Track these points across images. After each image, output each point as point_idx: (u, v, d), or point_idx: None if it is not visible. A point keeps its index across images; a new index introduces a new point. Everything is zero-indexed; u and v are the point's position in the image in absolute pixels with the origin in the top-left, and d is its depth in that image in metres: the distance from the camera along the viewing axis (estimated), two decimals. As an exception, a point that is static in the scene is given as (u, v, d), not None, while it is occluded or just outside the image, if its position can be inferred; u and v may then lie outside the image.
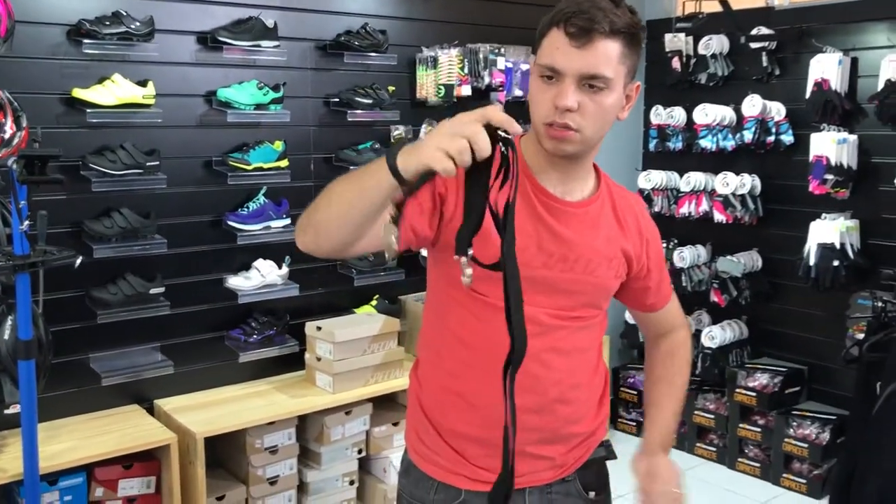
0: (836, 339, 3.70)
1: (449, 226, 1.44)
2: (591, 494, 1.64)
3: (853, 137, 3.74)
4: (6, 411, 2.69)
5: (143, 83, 3.03)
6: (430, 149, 1.12)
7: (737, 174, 4.09)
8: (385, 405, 3.58)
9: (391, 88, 3.69)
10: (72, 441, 2.87)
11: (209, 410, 3.19)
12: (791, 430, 3.82)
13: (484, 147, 1.11)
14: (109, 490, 2.90)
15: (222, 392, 3.38)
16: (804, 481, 3.77)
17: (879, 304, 1.75)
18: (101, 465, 2.87)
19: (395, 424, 3.55)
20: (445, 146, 1.11)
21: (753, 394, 3.95)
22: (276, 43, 3.33)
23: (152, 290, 3.10)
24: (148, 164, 3.03)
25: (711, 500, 3.77)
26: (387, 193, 1.21)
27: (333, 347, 3.35)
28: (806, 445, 3.75)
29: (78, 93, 2.91)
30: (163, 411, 3.19)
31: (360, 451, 3.49)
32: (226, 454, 3.29)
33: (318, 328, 3.42)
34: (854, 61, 3.78)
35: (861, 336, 3.43)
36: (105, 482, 2.89)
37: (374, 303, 3.82)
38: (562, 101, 1.39)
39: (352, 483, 3.49)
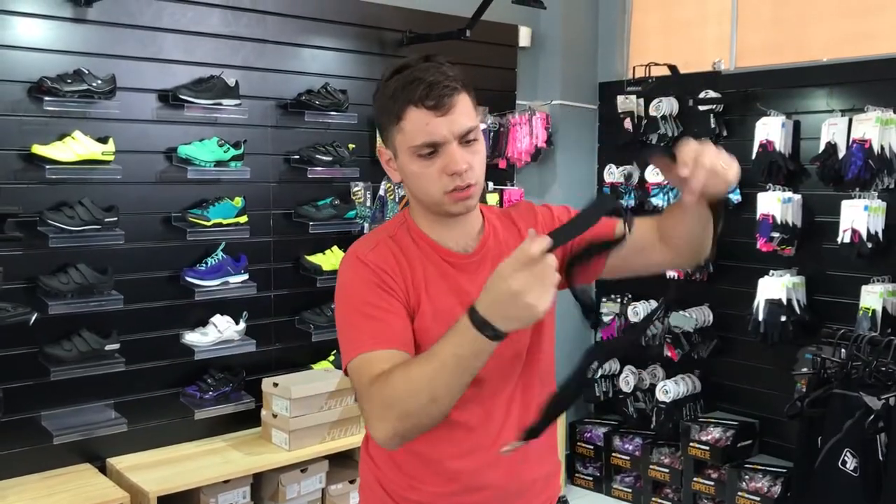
0: (785, 393, 3.78)
1: (417, 312, 1.48)
2: None
3: (797, 197, 3.88)
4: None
5: (103, 140, 3.05)
6: (535, 304, 1.19)
7: (687, 231, 4.20)
8: (341, 462, 3.56)
9: (351, 146, 3.76)
10: (22, 502, 2.81)
11: (163, 469, 3.15)
12: (744, 483, 3.88)
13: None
14: (58, 552, 2.83)
15: (177, 450, 3.34)
16: (758, 536, 3.82)
17: (819, 360, 1.82)
18: (50, 526, 2.81)
19: (351, 482, 3.53)
20: (546, 298, 1.20)
21: (707, 447, 4.01)
22: (237, 101, 3.38)
23: (107, 347, 3.08)
24: (106, 219, 3.04)
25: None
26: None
27: (290, 404, 3.34)
28: (758, 499, 3.81)
29: (37, 149, 2.91)
30: (115, 469, 3.13)
31: (316, 510, 3.47)
32: (179, 513, 3.24)
33: (275, 384, 3.41)
34: (797, 124, 3.95)
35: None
36: (54, 544, 2.83)
37: (331, 358, 3.82)
38: (457, 166, 1.43)
39: (308, 542, 3.46)
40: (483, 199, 4.35)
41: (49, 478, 3.02)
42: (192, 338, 3.34)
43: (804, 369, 3.64)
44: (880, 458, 1.85)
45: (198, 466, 3.19)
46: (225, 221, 3.36)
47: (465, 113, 1.45)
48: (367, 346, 1.40)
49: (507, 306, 1.20)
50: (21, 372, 2.96)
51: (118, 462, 3.18)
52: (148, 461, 3.21)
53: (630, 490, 4.38)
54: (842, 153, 3.67)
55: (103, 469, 3.17)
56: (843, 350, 1.75)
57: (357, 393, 1.42)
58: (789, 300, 3.82)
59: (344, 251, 3.76)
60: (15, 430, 2.95)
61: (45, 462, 3.06)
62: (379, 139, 1.61)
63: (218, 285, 3.37)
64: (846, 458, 1.73)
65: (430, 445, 1.50)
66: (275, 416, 3.40)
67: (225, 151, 3.34)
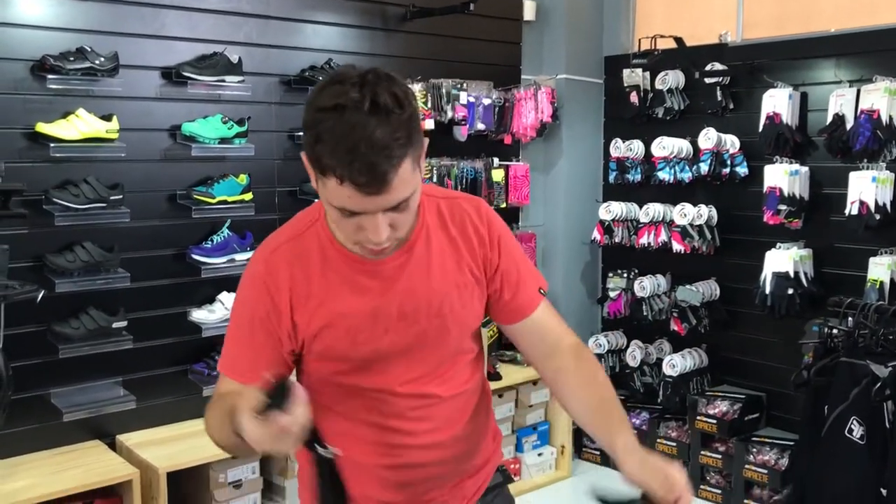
0: (792, 366, 3.76)
1: (307, 328, 1.45)
2: None
3: (805, 169, 3.86)
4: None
5: (107, 118, 3.04)
6: (263, 447, 1.21)
7: (694, 205, 4.19)
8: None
9: (355, 122, 3.74)
10: (32, 478, 2.83)
11: (172, 445, 3.17)
12: (751, 456, 3.88)
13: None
14: (70, 528, 2.86)
15: (185, 426, 3.36)
16: (765, 507, 3.83)
17: (826, 329, 1.81)
18: (63, 502, 2.83)
19: (360, 456, 3.54)
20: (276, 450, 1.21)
21: (714, 421, 4.02)
22: (240, 78, 3.37)
23: (115, 325, 3.09)
24: (111, 197, 3.04)
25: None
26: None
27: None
28: (766, 471, 3.81)
29: (42, 127, 2.91)
30: (125, 446, 3.16)
31: (325, 484, 3.48)
32: (189, 489, 3.26)
33: (283, 361, 3.42)
34: (804, 96, 3.91)
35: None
36: (65, 519, 2.85)
37: (338, 335, 3.83)
38: (375, 238, 1.31)
39: (317, 516, 3.47)
40: (489, 175, 4.33)
41: (59, 454, 3.04)
42: (199, 315, 3.34)
43: (811, 341, 3.65)
44: (887, 425, 1.85)
45: (207, 443, 3.14)
46: (230, 199, 3.36)
47: (400, 185, 1.26)
48: (227, 369, 1.49)
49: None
50: (30, 350, 2.98)
51: (127, 439, 3.20)
52: (157, 438, 3.23)
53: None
54: (850, 124, 3.64)
55: (113, 446, 3.19)
56: (850, 319, 1.75)
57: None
58: (796, 273, 3.81)
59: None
60: (25, 407, 2.97)
61: (55, 439, 3.08)
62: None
63: (224, 262, 3.37)
64: (853, 425, 1.73)
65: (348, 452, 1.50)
66: (282, 392, 3.41)
67: (229, 129, 3.34)
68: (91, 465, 2.97)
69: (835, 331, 1.73)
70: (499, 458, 1.70)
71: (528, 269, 1.58)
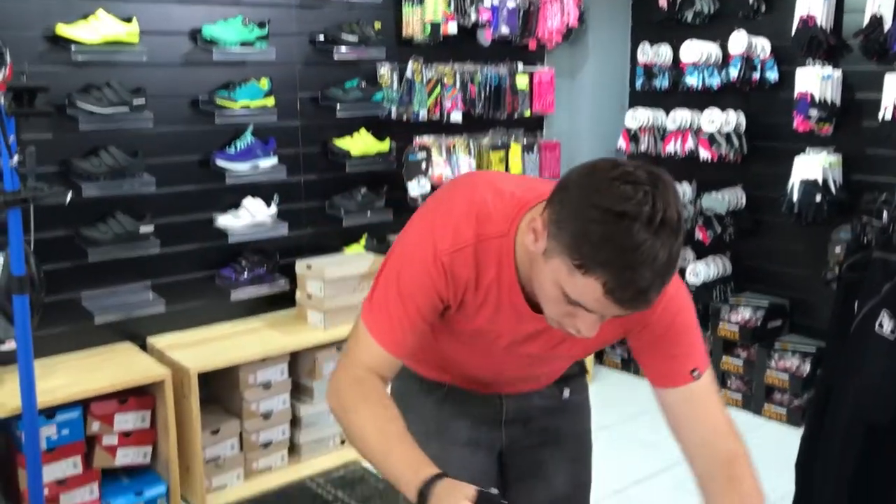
0: (817, 274, 3.77)
1: (459, 311, 1.43)
2: (567, 392, 1.73)
3: (838, 73, 3.76)
4: (1, 348, 2.72)
5: (127, 20, 3.00)
6: None
7: (722, 111, 4.11)
8: (375, 342, 3.63)
9: (377, 25, 3.67)
10: (67, 377, 2.91)
11: (202, 347, 3.23)
12: (773, 362, 3.91)
13: None
14: (105, 424, 2.95)
15: (214, 329, 3.42)
16: (784, 411, 3.87)
17: (859, 224, 1.79)
18: (97, 400, 2.91)
19: (385, 361, 3.60)
20: None
21: (736, 328, 4.03)
22: (260, -22, 3.30)
23: (142, 229, 3.12)
24: (134, 101, 3.02)
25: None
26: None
27: (324, 285, 3.38)
28: (787, 377, 3.85)
29: (62, 29, 2.88)
30: (156, 348, 3.22)
31: (351, 387, 3.55)
32: (219, 390, 3.34)
33: (309, 266, 3.45)
34: (840, -4, 3.78)
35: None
36: (101, 417, 2.94)
37: (362, 242, 3.85)
38: (586, 334, 1.26)
39: (344, 417, 3.56)
40: (513, 82, 4.24)
41: (93, 355, 3.12)
42: (225, 221, 3.36)
43: (837, 248, 3.62)
44: (917, 322, 1.85)
45: (236, 345, 3.27)
46: (252, 104, 3.33)
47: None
48: (385, 340, 1.38)
49: None
50: (60, 254, 3.02)
51: (158, 341, 3.27)
52: (187, 340, 3.30)
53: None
54: (888, 25, 3.52)
55: (144, 348, 3.26)
56: (885, 214, 1.73)
57: (347, 346, 1.44)
58: (825, 180, 3.75)
59: (371, 134, 3.76)
60: (58, 310, 3.03)
61: (88, 340, 3.15)
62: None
63: (248, 169, 3.37)
64: (883, 320, 1.72)
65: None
66: (309, 297, 3.45)
67: (250, 31, 3.28)
68: (124, 365, 3.04)
69: (868, 226, 1.72)
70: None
71: (685, 331, 1.43)
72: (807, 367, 3.82)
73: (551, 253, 1.21)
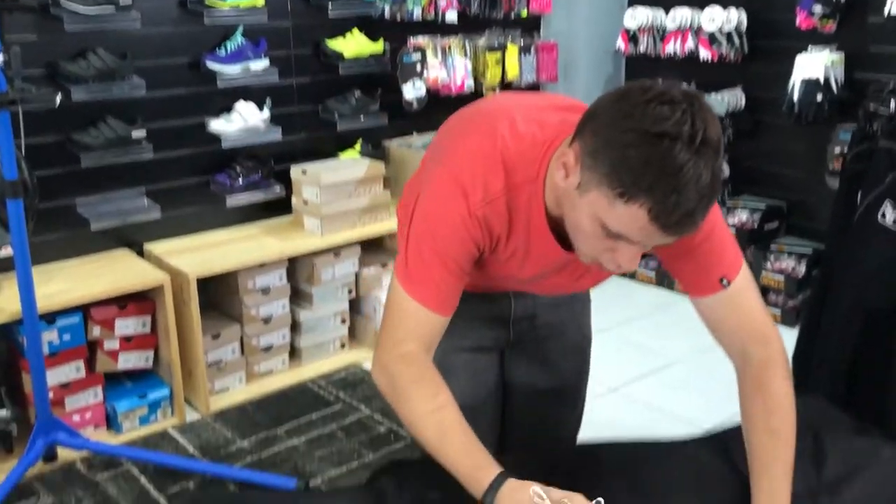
0: (817, 175, 3.76)
1: (490, 255, 1.40)
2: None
3: (843, -33, 3.65)
4: (-2, 254, 2.71)
5: (108, -87, 2.88)
6: None
7: (723, 8, 4.01)
8: (373, 248, 3.63)
9: (369, -80, 3.54)
10: (66, 283, 2.90)
11: (200, 253, 3.23)
12: (769, 263, 3.93)
13: None
14: (106, 329, 2.96)
15: (211, 236, 3.41)
16: (779, 312, 3.91)
17: (865, 113, 1.76)
18: (97, 305, 2.92)
19: (383, 266, 3.61)
20: None
21: (733, 230, 4.04)
22: None
23: (134, 134, 3.06)
24: (120, 1, 2.93)
25: (689, 332, 3.91)
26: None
27: (320, 190, 3.36)
28: (782, 278, 3.87)
29: (41, -77, 2.77)
30: (153, 254, 3.22)
31: (350, 292, 3.57)
32: (219, 296, 3.35)
33: (304, 172, 3.42)
34: None
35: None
36: (101, 322, 2.95)
37: (357, 147, 3.80)
38: (627, 267, 1.23)
39: (343, 322, 3.59)
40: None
41: (91, 262, 3.11)
42: (217, 125, 3.31)
43: (837, 149, 3.60)
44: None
45: (233, 251, 3.26)
46: (241, 3, 3.23)
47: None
48: (432, 302, 1.34)
49: None
50: (52, 160, 2.98)
51: (155, 247, 3.26)
52: (184, 246, 3.29)
53: (653, 273, 4.44)
54: (896, -86, 3.41)
55: (141, 254, 3.26)
56: (892, 102, 1.70)
57: (384, 324, 1.38)
58: (826, 79, 3.69)
59: (364, 34, 3.67)
60: (53, 217, 3.01)
61: (85, 247, 3.14)
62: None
63: (239, 72, 3.29)
64: (886, 210, 1.72)
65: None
66: (306, 202, 3.43)
67: (237, -74, 3.16)
68: (123, 270, 3.04)
69: (874, 115, 1.69)
70: None
71: (714, 233, 1.39)
72: (802, 269, 3.85)
73: (587, 186, 1.17)
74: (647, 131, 1.10)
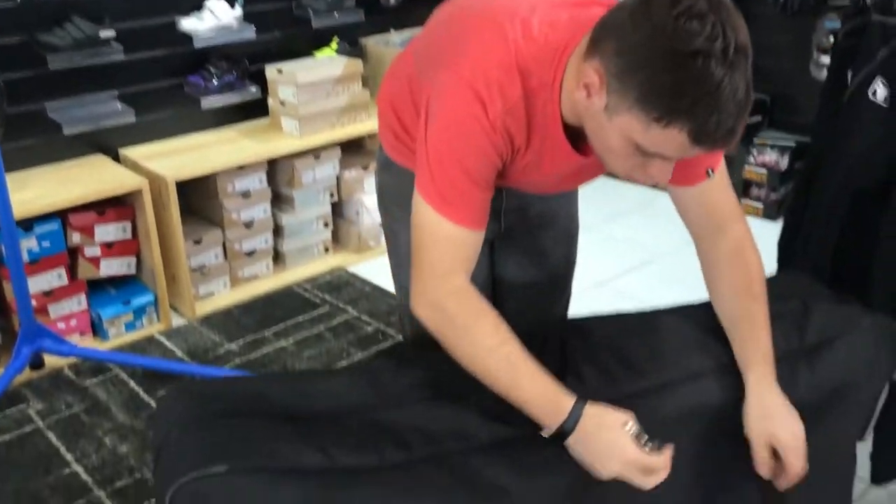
0: (801, 67, 3.71)
1: (511, 164, 1.36)
2: None
3: None
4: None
5: None
6: (606, 465, 1.22)
7: None
8: (353, 150, 3.58)
9: None
10: (42, 189, 2.84)
11: (177, 157, 3.16)
12: (752, 157, 3.92)
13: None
14: (86, 236, 2.92)
15: (188, 140, 3.34)
16: (761, 205, 3.93)
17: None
18: (75, 211, 2.87)
19: (364, 168, 3.56)
20: (618, 471, 1.21)
21: (716, 125, 4.00)
22: None
23: (102, 34, 2.95)
24: None
25: (675, 227, 3.92)
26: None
27: (297, 90, 3.27)
28: (765, 171, 3.87)
29: None
30: (129, 159, 3.15)
31: (332, 195, 3.53)
32: (199, 202, 3.30)
33: (280, 71, 3.33)
34: None
35: (826, 59, 3.44)
36: (80, 228, 2.90)
37: (333, 45, 3.70)
38: (660, 180, 1.23)
39: (326, 225, 3.56)
40: None
41: (66, 168, 3.04)
42: (188, 24, 3.19)
43: (823, 38, 3.54)
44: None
45: (211, 154, 3.20)
46: None
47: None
48: (469, 220, 1.29)
49: (589, 460, 1.23)
50: (18, 61, 2.87)
51: (131, 152, 3.19)
52: (160, 151, 3.22)
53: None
54: None
55: (117, 160, 3.19)
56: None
57: (418, 260, 1.31)
58: (813, -35, 3.61)
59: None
60: (24, 122, 2.92)
61: (59, 153, 3.06)
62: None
63: (208, -34, 3.16)
64: (877, 87, 1.69)
65: None
66: (283, 103, 3.35)
67: None
68: (100, 175, 2.98)
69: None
70: None
71: None
72: (785, 162, 3.84)
73: (617, 109, 1.13)
74: (680, 51, 1.06)
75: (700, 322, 1.47)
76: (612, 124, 1.16)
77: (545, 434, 1.25)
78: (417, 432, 1.28)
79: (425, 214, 1.30)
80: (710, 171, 1.40)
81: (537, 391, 1.24)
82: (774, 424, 1.33)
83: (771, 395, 1.35)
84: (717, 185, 1.42)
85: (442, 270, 1.29)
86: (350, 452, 1.23)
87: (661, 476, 1.21)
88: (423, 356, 1.48)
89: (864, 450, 1.87)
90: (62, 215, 2.84)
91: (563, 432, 1.23)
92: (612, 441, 1.21)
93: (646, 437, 1.21)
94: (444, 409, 1.33)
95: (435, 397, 1.36)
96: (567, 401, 1.23)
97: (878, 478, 1.96)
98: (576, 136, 1.30)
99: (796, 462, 1.32)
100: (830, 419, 1.39)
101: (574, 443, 1.23)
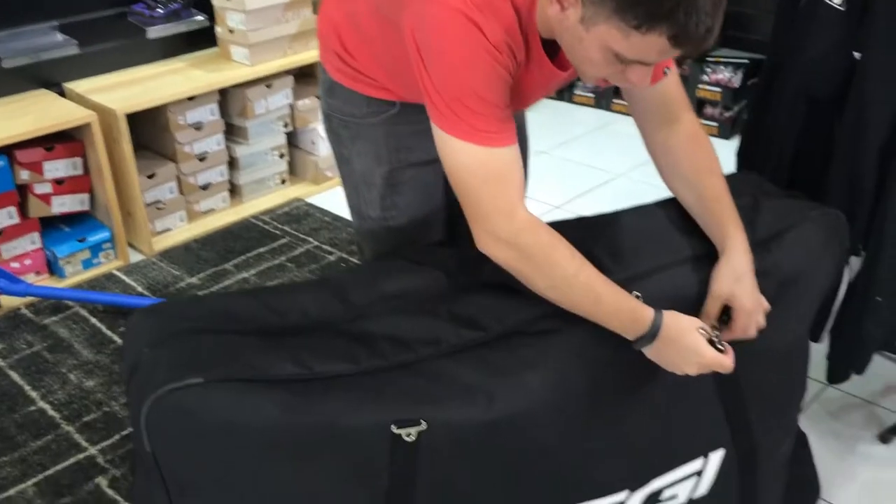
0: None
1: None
2: None
3: None
4: None
5: None
6: (684, 368, 1.32)
7: None
8: (306, 80, 3.51)
9: None
10: (-15, 125, 2.75)
11: (125, 89, 3.07)
12: (705, 76, 3.94)
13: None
14: (35, 173, 2.84)
15: (135, 72, 3.24)
16: (716, 125, 3.96)
17: None
18: (21, 147, 2.78)
19: (318, 97, 3.49)
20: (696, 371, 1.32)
21: (670, 45, 4.00)
22: None
23: (37, -39, 2.83)
24: None
25: (629, 150, 3.95)
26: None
27: (245, 17, 3.19)
28: (719, 90, 3.90)
29: None
30: (75, 93, 3.05)
31: (286, 125, 3.47)
32: (150, 136, 3.22)
33: (227, -2, 3.23)
34: None
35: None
36: (28, 165, 2.82)
37: (282, -29, 3.59)
38: (640, 84, 1.24)
39: (282, 156, 3.51)
40: None
41: (8, 103, 2.94)
42: (128, -51, 3.07)
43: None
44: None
45: (160, 85, 3.11)
46: None
47: None
48: (502, 139, 1.27)
49: (668, 362, 1.32)
50: (-52, -8, 2.75)
51: (76, 86, 3.09)
52: (107, 83, 3.12)
53: (592, 95, 4.41)
54: None
55: (63, 94, 3.09)
56: None
57: (468, 181, 1.28)
58: None
59: None
60: (-41, 56, 2.81)
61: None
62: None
63: None
64: (832, -13, 1.70)
65: None
66: (231, 31, 3.26)
67: None
68: (45, 110, 2.88)
69: None
70: None
71: None
72: (739, 79, 3.87)
73: (594, 20, 1.14)
74: None
75: (661, 217, 1.50)
76: (589, 35, 1.16)
77: (634, 345, 1.32)
78: (390, 340, 1.29)
79: (465, 152, 1.27)
80: (667, 70, 1.43)
81: (619, 306, 1.30)
82: (740, 287, 1.37)
83: (745, 262, 1.39)
84: (672, 79, 1.46)
85: (504, 207, 1.28)
86: (324, 361, 1.23)
87: (728, 371, 1.32)
88: (385, 269, 1.48)
89: (821, 351, 1.94)
90: (8, 152, 2.75)
91: (645, 339, 1.29)
92: (689, 344, 1.30)
93: (717, 335, 1.32)
94: (415, 319, 1.34)
95: (404, 308, 1.37)
96: (646, 311, 1.29)
97: (834, 378, 2.03)
98: (551, 51, 1.32)
99: (746, 323, 1.38)
100: (781, 308, 1.43)
101: (655, 349, 1.31)
